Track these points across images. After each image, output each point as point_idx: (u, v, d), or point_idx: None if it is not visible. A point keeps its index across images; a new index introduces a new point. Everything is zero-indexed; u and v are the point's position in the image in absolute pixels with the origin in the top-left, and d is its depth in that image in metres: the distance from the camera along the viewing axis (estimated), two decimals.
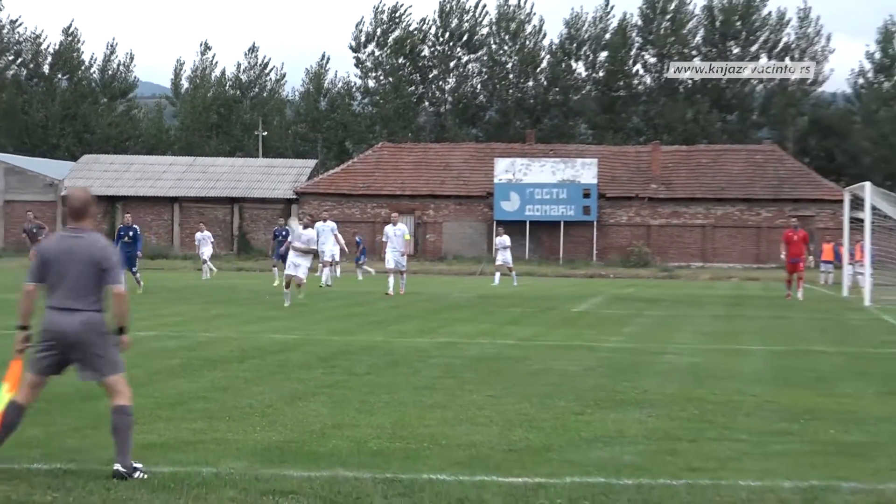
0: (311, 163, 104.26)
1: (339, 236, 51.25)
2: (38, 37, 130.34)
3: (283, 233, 51.60)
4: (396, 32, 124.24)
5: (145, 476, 11.41)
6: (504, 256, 59.48)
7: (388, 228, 45.46)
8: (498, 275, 58.47)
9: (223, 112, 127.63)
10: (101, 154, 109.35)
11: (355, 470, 12.10)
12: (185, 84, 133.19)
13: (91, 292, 11.46)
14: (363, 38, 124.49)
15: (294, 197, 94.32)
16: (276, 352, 24.14)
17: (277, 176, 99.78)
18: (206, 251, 65.05)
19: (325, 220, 51.29)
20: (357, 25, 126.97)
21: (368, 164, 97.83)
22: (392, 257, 38.98)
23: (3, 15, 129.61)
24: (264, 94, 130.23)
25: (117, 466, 11.39)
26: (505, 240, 59.35)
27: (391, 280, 43.77)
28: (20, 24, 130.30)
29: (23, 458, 12.20)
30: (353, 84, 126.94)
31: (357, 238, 70.56)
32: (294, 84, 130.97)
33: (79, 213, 11.76)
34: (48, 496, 10.78)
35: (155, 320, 31.26)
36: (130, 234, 45.11)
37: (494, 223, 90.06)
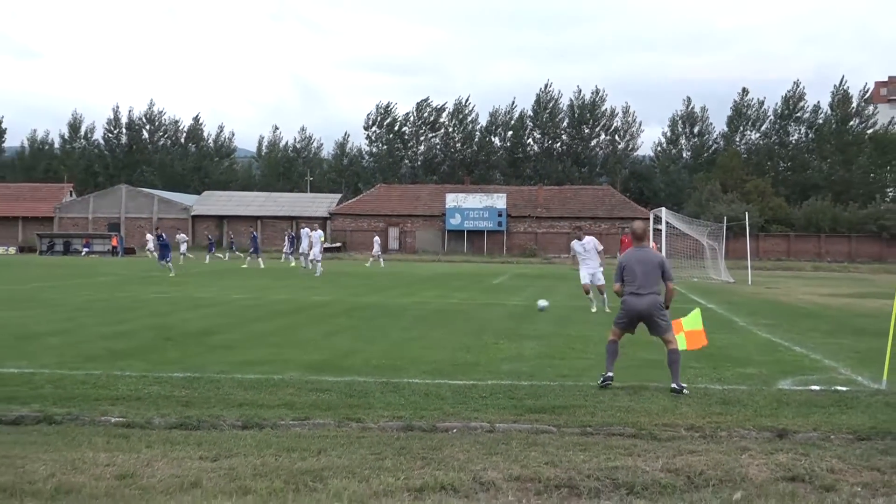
0: (338, 196, 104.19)
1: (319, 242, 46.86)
2: (177, 122, 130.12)
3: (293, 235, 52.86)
4: (388, 119, 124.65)
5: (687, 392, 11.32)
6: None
7: (576, 244, 25.31)
8: None
9: (286, 165, 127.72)
10: (215, 190, 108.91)
11: (365, 377, 12.08)
12: (264, 149, 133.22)
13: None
14: (370, 123, 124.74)
15: (328, 216, 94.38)
16: (317, 307, 24.08)
17: (318, 204, 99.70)
18: (316, 249, 54.90)
19: (314, 230, 45.72)
20: (367, 115, 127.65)
21: (372, 197, 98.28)
22: (586, 272, 24.23)
23: (156, 108, 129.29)
24: (310, 155, 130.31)
25: (673, 385, 11.43)
26: None
27: (592, 296, 24.71)
28: (164, 114, 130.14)
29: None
30: (363, 149, 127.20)
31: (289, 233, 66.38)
32: (328, 148, 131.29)
33: None
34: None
35: (245, 290, 31.09)
36: (163, 238, 43.92)
37: (446, 232, 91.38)
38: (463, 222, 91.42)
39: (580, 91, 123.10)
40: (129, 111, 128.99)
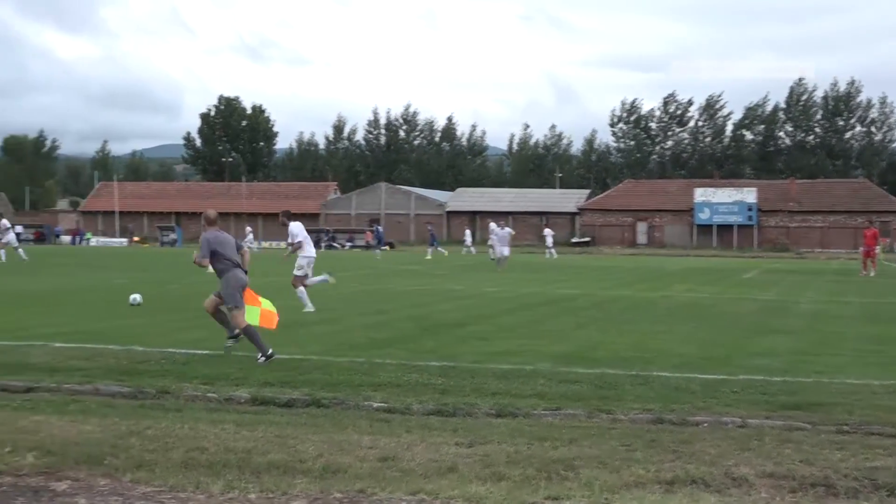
0: (586, 191, 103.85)
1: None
2: (432, 122, 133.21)
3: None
4: (634, 115, 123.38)
5: None
6: None
7: None
8: None
9: (536, 162, 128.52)
10: (468, 187, 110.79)
11: (614, 369, 11.97)
12: (514, 147, 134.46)
13: None
14: (615, 119, 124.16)
15: (577, 211, 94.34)
16: (565, 300, 24.09)
17: (567, 199, 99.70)
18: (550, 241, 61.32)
19: (502, 227, 42.05)
20: (612, 112, 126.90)
21: (620, 192, 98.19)
22: None
23: (412, 109, 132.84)
24: (559, 152, 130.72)
25: None
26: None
27: None
28: (419, 114, 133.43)
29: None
30: (610, 145, 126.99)
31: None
32: (577, 145, 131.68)
33: None
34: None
35: (496, 283, 31.45)
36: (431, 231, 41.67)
37: (694, 227, 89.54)
38: (712, 217, 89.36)
39: (836, 82, 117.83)
40: (388, 113, 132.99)
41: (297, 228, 20.09)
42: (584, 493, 6.38)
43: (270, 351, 12.29)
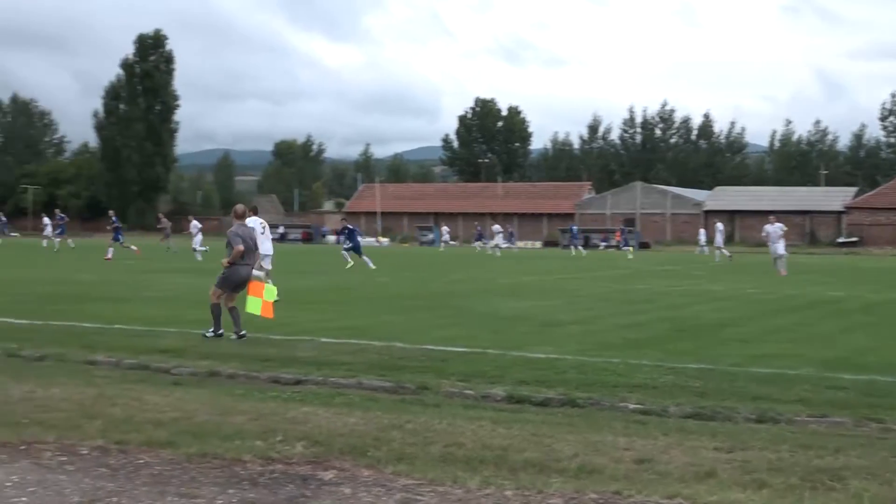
0: (853, 189, 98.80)
1: None
2: (688, 119, 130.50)
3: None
4: None
5: None
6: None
7: None
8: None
9: (799, 159, 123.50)
10: (726, 186, 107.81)
11: (885, 376, 11.34)
12: (776, 144, 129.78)
13: None
14: (885, 113, 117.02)
15: (843, 210, 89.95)
16: (831, 302, 23.05)
17: (832, 197, 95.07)
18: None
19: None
20: (882, 105, 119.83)
21: (891, 189, 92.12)
22: None
23: (668, 107, 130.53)
24: (825, 148, 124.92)
25: None
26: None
27: None
28: (676, 112, 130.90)
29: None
30: (880, 141, 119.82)
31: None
32: (844, 141, 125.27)
33: None
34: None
35: (759, 284, 30.44)
36: (348, 230, 37.79)
37: None
38: None
39: None
40: (644, 111, 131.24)
41: (252, 223, 21.57)
42: None
43: (222, 331, 14.17)
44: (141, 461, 6.77)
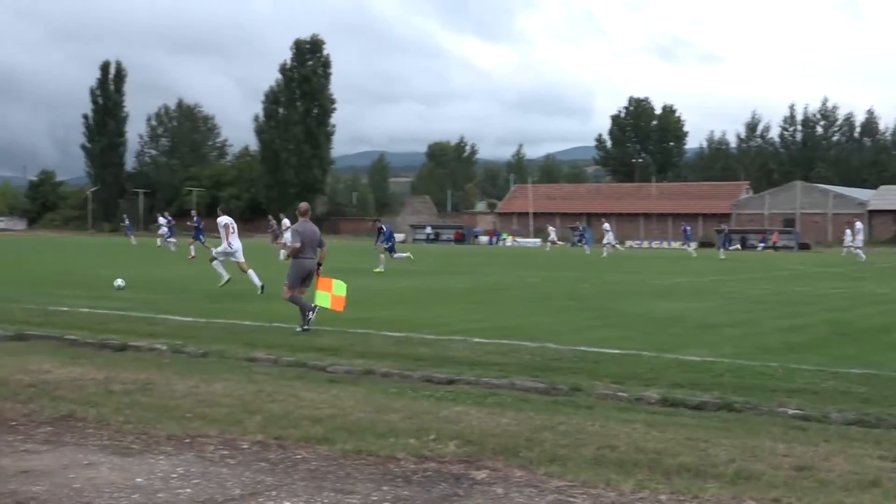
0: None
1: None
2: (850, 116, 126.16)
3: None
4: None
5: None
6: None
7: None
8: None
9: None
10: (893, 185, 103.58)
11: None
12: None
13: None
14: None
15: None
16: None
17: None
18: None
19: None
20: None
21: None
22: None
23: (829, 104, 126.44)
24: None
25: None
26: None
27: None
28: (838, 109, 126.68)
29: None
30: None
31: None
32: None
33: None
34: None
35: None
36: (385, 230, 35.54)
37: None
38: None
39: None
40: (805, 108, 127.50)
41: (224, 221, 23.41)
42: None
43: (307, 328, 14.90)
44: (298, 456, 6.94)
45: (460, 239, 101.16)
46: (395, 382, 10.80)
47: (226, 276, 23.61)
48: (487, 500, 5.96)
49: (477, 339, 14.09)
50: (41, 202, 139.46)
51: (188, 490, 6.05)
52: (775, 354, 13.01)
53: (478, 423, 8.16)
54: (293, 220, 16.83)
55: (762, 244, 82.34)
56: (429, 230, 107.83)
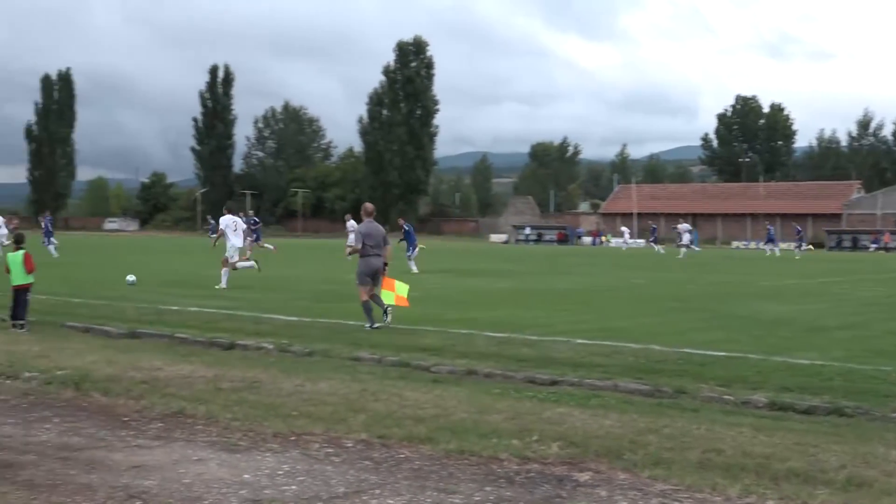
0: None
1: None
2: None
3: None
4: None
5: None
6: None
7: None
8: None
9: None
10: None
11: None
12: None
13: None
14: None
15: None
16: None
17: None
18: None
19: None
20: None
21: None
22: None
23: None
24: None
25: None
26: None
27: None
28: None
29: None
30: None
31: None
32: None
33: None
34: None
35: None
36: (406, 229, 33.61)
37: None
38: None
39: None
40: None
41: (225, 221, 24.06)
42: None
43: (377, 325, 15.32)
44: (402, 455, 6.98)
45: (563, 239, 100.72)
46: (498, 383, 10.79)
47: (251, 264, 24.99)
48: (590, 503, 5.92)
49: (580, 340, 14.01)
50: (152, 203, 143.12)
51: (294, 487, 6.13)
52: (888, 358, 12.65)
53: (581, 424, 8.10)
54: (358, 222, 17.07)
55: (874, 245, 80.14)
56: (528, 230, 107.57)
